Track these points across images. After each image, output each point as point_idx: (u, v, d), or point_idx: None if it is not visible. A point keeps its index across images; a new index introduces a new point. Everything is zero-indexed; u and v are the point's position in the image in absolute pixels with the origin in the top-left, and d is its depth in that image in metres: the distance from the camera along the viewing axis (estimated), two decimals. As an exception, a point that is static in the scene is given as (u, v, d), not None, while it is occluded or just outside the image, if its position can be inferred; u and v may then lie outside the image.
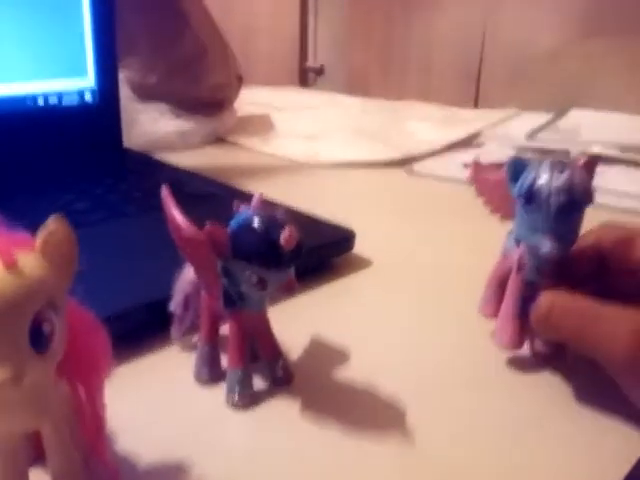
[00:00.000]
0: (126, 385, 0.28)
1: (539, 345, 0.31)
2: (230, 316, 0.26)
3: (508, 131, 0.71)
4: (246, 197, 0.47)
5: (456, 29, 1.47)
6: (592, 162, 0.28)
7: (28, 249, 0.18)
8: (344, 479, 0.23)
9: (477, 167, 0.31)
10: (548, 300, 0.27)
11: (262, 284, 0.24)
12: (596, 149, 0.63)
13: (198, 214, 0.25)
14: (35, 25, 0.51)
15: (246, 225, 0.24)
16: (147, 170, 0.55)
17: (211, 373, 0.28)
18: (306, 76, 1.84)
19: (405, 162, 0.65)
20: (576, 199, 0.26)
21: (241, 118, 0.79)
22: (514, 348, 0.30)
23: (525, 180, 0.27)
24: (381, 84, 1.61)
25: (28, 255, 0.18)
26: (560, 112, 0.75)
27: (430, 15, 1.50)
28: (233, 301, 0.26)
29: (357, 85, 1.63)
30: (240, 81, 0.76)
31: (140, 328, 0.30)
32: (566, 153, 0.63)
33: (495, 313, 0.31)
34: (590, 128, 0.69)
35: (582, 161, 0.28)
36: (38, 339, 0.17)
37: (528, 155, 0.24)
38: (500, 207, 0.31)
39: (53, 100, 0.54)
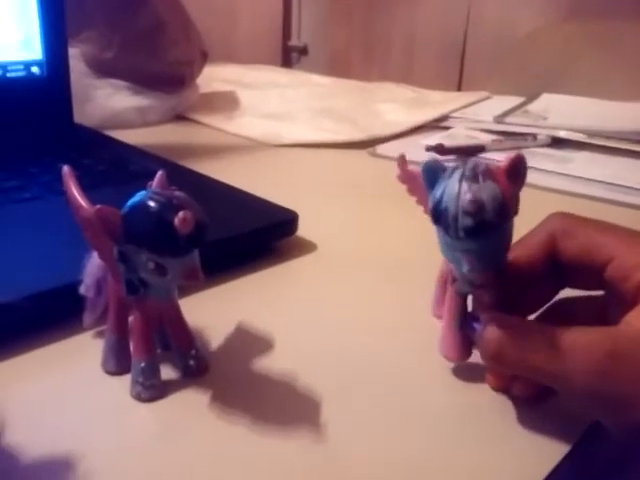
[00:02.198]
0: (32, 371, 0.27)
1: None
2: (134, 304, 0.25)
3: (477, 114, 0.70)
4: (191, 176, 0.47)
5: (440, 10, 1.44)
6: (516, 164, 0.22)
7: None
8: (249, 476, 0.22)
9: (403, 163, 0.29)
10: (495, 337, 0.24)
11: (161, 271, 0.22)
12: (562, 134, 0.61)
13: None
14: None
15: (139, 206, 0.22)
16: (95, 147, 0.53)
17: (118, 364, 0.26)
18: (289, 55, 1.81)
19: (370, 144, 0.63)
20: (486, 219, 0.21)
21: (205, 95, 0.77)
22: (459, 361, 0.28)
23: (434, 196, 0.23)
24: (363, 65, 1.58)
25: None
26: (531, 96, 0.73)
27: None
28: (136, 288, 0.24)
29: (339, 65, 1.60)
30: (204, 57, 0.74)
31: (53, 312, 0.29)
32: (533, 137, 0.61)
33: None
34: (559, 113, 0.67)
35: (504, 165, 0.22)
36: None
37: (448, 158, 0.21)
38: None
39: (-3, 72, 0.51)
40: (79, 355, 0.28)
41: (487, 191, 0.22)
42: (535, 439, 0.25)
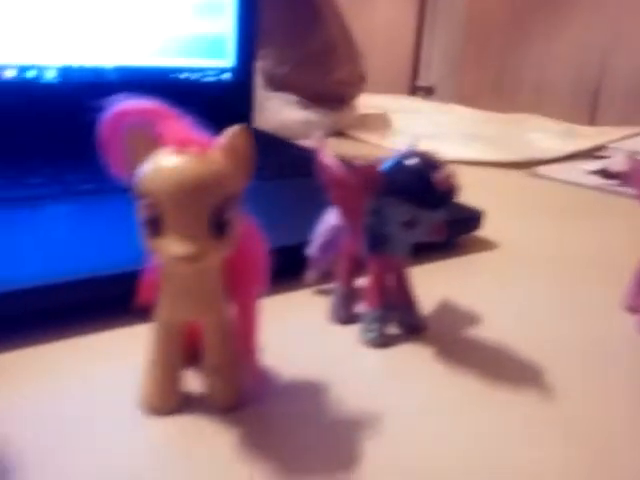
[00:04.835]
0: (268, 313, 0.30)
1: None
2: (372, 258, 0.27)
3: (635, 145, 0.69)
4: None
5: (573, 53, 1.43)
6: None
7: (210, 147, 0.20)
8: (470, 423, 0.23)
9: (633, 163, 0.31)
10: None
11: (411, 224, 0.25)
12: None
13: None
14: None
15: (402, 164, 0.24)
16: (277, 147, 0.58)
17: (347, 314, 0.29)
18: (415, 95, 1.85)
19: (523, 166, 0.64)
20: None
21: (360, 115, 0.81)
22: None
23: None
24: (492, 106, 1.59)
25: (215, 151, 0.20)
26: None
27: (548, 38, 1.47)
28: (377, 243, 0.26)
29: (467, 106, 1.62)
30: (363, 80, 0.78)
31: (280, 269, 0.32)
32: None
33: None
34: None
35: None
36: (218, 225, 0.19)
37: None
38: None
39: (195, 76, 0.57)
40: (304, 307, 0.31)
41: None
42: None
